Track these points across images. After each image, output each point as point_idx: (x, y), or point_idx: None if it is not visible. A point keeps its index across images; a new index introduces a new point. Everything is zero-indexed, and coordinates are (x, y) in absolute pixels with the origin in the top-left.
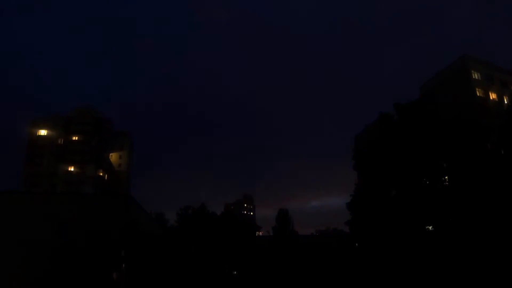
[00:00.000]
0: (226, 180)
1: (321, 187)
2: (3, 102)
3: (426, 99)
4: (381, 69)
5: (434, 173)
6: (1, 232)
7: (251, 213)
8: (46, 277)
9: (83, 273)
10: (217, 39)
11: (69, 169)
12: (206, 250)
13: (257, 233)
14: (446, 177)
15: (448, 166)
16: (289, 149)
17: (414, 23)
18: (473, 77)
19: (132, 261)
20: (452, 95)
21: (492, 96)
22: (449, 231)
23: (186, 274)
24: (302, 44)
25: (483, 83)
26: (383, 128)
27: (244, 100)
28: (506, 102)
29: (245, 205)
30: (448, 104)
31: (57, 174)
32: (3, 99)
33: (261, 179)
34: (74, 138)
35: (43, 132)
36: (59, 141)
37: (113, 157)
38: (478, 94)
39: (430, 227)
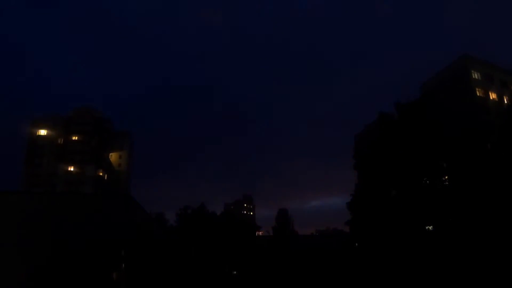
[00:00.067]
0: (226, 180)
1: (321, 187)
2: (3, 102)
3: (426, 99)
4: (381, 69)
5: (434, 173)
6: (0, 232)
7: (251, 213)
8: (45, 277)
9: (83, 273)
10: (217, 39)
11: (69, 169)
12: (206, 250)
13: (257, 233)
14: (446, 177)
15: (448, 166)
16: (289, 149)
17: (414, 23)
18: (473, 77)
19: (132, 261)
20: (452, 95)
21: (492, 96)
22: (449, 231)
23: (186, 274)
24: (302, 44)
25: (483, 83)
26: (383, 127)
27: (243, 99)
28: (506, 102)
29: (245, 205)
30: (448, 103)
31: (57, 174)
32: (3, 99)
33: (261, 179)
34: (74, 138)
35: (43, 132)
36: (59, 141)
37: (113, 157)
38: (478, 94)
39: (430, 227)
